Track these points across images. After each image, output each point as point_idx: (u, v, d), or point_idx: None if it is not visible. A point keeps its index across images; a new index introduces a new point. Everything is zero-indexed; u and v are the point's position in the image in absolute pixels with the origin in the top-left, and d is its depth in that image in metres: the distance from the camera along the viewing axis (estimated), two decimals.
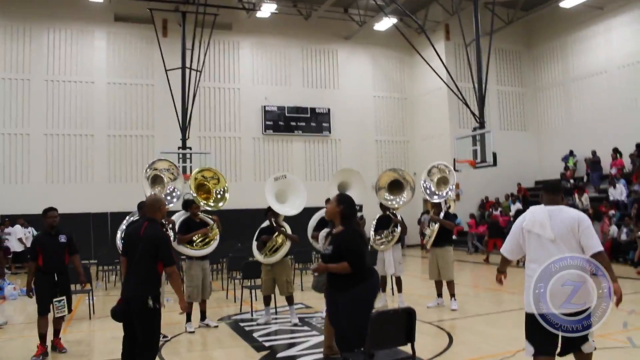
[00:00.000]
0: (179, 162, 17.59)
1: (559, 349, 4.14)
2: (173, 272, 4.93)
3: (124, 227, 7.36)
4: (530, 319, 4.16)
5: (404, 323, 4.30)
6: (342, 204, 4.92)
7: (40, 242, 6.85)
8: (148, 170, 7.54)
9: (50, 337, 6.80)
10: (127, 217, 7.47)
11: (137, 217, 7.34)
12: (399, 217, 9.22)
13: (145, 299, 4.70)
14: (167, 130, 19.78)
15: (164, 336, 7.31)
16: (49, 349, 6.75)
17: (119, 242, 7.34)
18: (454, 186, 9.44)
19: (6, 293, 11.86)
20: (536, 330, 4.10)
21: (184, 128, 18.13)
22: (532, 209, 4.47)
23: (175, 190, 7.72)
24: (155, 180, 7.60)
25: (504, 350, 5.96)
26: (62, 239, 6.82)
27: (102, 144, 20.36)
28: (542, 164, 23.44)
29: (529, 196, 21.59)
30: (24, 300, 11.71)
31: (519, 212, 17.19)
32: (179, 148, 18.03)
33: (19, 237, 14.77)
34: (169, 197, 7.63)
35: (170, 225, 7.43)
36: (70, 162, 20.05)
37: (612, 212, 16.54)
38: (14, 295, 11.92)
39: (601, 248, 4.19)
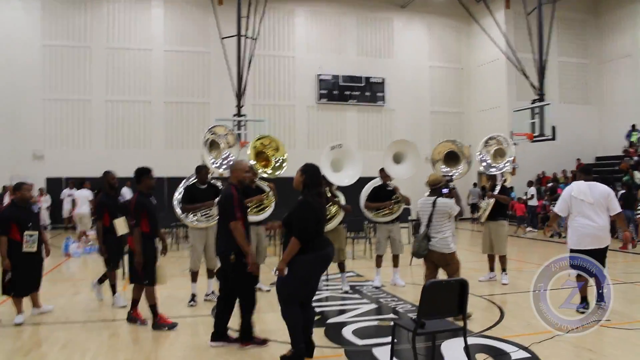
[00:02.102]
0: (233, 130, 17.84)
1: None
2: (235, 226, 5.24)
3: (182, 189, 7.53)
4: (572, 252, 6.50)
5: (456, 294, 4.30)
6: (304, 173, 4.95)
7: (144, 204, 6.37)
8: (207, 134, 7.66)
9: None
10: (184, 181, 7.64)
11: (195, 180, 7.52)
12: (450, 187, 9.09)
13: (228, 254, 5.27)
14: (222, 98, 20.08)
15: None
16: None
17: (176, 204, 7.52)
18: (511, 159, 9.24)
19: (70, 250, 12.45)
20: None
21: (239, 95, 18.33)
22: (576, 183, 6.82)
23: (230, 156, 7.82)
24: (213, 145, 7.73)
25: (554, 327, 5.88)
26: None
27: (159, 110, 20.86)
28: (603, 140, 22.59)
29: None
30: (87, 258, 12.34)
31: None
32: (233, 115, 18.27)
33: (90, 199, 15.06)
34: (224, 163, 7.75)
35: None
36: (129, 127, 20.67)
37: None
38: (78, 253, 12.51)
39: (620, 210, 6.73)
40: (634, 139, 20.22)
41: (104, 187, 7.47)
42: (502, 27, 18.25)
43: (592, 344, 5.46)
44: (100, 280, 7.76)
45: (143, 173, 6.26)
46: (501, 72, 21.89)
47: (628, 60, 21.85)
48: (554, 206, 14.62)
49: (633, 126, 20.30)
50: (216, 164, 7.67)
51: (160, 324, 6.14)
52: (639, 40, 21.27)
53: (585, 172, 6.89)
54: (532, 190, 18.59)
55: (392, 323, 5.97)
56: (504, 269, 8.95)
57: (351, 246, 12.49)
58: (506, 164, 9.20)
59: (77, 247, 12.59)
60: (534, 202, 18.49)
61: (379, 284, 8.56)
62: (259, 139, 8.20)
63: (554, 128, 14.64)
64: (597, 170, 21.31)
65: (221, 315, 5.50)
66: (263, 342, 5.48)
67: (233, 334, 5.60)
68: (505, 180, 9.40)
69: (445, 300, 4.28)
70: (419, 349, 4.67)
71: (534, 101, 15.68)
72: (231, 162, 7.97)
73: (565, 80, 23.02)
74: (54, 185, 19.43)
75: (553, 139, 14.81)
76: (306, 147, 21.60)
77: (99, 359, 5.14)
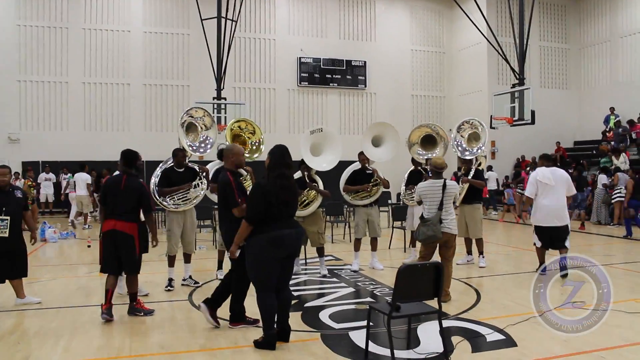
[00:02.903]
0: (213, 113, 17.66)
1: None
2: (234, 212, 5.24)
3: (159, 172, 7.43)
4: (537, 228, 8.07)
5: (431, 277, 4.31)
6: (269, 154, 4.99)
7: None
8: (184, 116, 7.55)
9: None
10: (161, 164, 7.54)
11: (172, 164, 7.43)
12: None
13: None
14: (202, 81, 19.87)
15: (195, 282, 7.52)
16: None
17: (153, 188, 7.41)
18: (485, 143, 9.28)
19: (47, 236, 12.30)
20: (540, 233, 8.05)
21: (219, 78, 18.11)
22: (540, 169, 8.06)
23: (208, 138, 7.72)
24: (189, 128, 7.62)
25: (532, 309, 5.94)
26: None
27: (138, 92, 20.58)
28: (582, 124, 22.81)
29: (567, 157, 21.13)
30: (64, 244, 12.21)
31: None
32: (213, 98, 18.05)
33: (88, 183, 15.16)
34: (202, 145, 7.66)
35: (204, 174, 7.49)
36: (107, 110, 20.38)
37: None
38: (55, 238, 12.36)
39: (575, 192, 8.43)
40: (612, 123, 20.43)
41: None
42: (484, 11, 18.19)
43: None
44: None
45: (135, 156, 6.22)
46: (482, 56, 21.94)
47: (606, 46, 22.02)
48: (520, 189, 15.12)
49: (612, 110, 20.49)
50: (193, 146, 7.57)
51: (136, 308, 6.06)
52: (617, 26, 21.43)
53: (546, 159, 8.22)
54: (491, 174, 18.76)
55: (368, 307, 6.03)
56: (481, 252, 9.01)
57: (330, 230, 12.49)
58: (480, 148, 9.24)
59: (54, 232, 12.43)
60: (492, 186, 18.66)
61: (357, 268, 8.57)
62: (236, 121, 8.12)
63: (533, 112, 14.69)
64: (576, 154, 21.61)
65: (238, 297, 5.51)
66: (254, 321, 5.48)
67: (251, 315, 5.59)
68: (479, 164, 9.44)
69: (421, 283, 4.29)
70: (395, 332, 4.67)
71: (513, 85, 15.71)
72: (211, 146, 7.91)
73: (545, 65, 23.14)
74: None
75: (532, 123, 14.87)
76: (287, 131, 21.50)
77: (72, 345, 5.07)
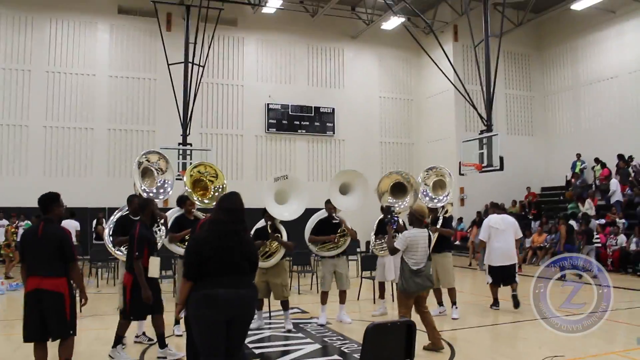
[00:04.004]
0: (179, 159, 17.27)
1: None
2: None
3: (114, 220, 6.97)
4: (490, 267, 9.11)
5: (402, 337, 3.92)
6: (216, 205, 4.54)
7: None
8: (141, 158, 7.14)
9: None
10: (116, 212, 7.09)
11: (127, 211, 6.99)
12: (401, 222, 8.82)
13: None
14: (169, 126, 19.50)
15: (149, 339, 6.96)
16: None
17: (107, 239, 6.94)
18: (452, 190, 9.07)
19: None
20: (492, 272, 9.08)
21: (185, 124, 17.81)
22: (492, 216, 9.42)
23: (167, 182, 7.32)
24: (145, 173, 7.22)
25: None
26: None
27: (102, 137, 20.06)
28: (549, 170, 22.99)
29: (536, 202, 21.20)
30: (13, 295, 11.44)
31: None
32: (179, 144, 17.70)
33: (77, 230, 14.66)
34: (161, 190, 7.25)
35: (162, 221, 7.05)
36: (69, 155, 19.76)
37: (621, 220, 16.11)
38: (2, 290, 11.61)
39: (522, 236, 9.77)
40: (577, 169, 20.63)
41: (143, 217, 6.24)
42: (451, 59, 18.42)
43: None
44: (162, 344, 6.30)
45: (53, 200, 5.29)
46: (450, 103, 22.12)
47: (569, 94, 22.46)
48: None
49: (578, 156, 20.72)
50: (150, 192, 7.14)
51: None
52: (579, 74, 21.93)
53: (496, 207, 9.75)
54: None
55: None
56: (453, 303, 8.67)
57: (297, 280, 12.02)
58: (447, 196, 9.03)
59: (1, 284, 11.68)
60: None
61: (325, 322, 8.10)
62: (195, 167, 7.74)
63: (502, 158, 14.68)
64: (543, 200, 21.69)
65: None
66: None
67: None
68: (446, 212, 9.22)
69: (391, 344, 3.90)
70: None
71: (482, 132, 15.75)
72: (171, 188, 7.50)
73: (511, 113, 23.46)
74: None
75: (501, 169, 14.84)
76: (254, 178, 21.12)
77: None
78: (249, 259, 4.25)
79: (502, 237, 8.89)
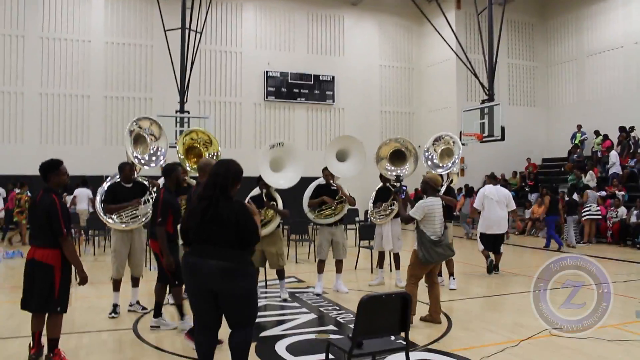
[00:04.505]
0: (176, 126, 17.02)
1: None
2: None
3: (105, 188, 6.82)
4: (482, 235, 9.75)
5: (398, 309, 3.81)
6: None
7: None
8: (133, 125, 6.94)
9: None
10: (108, 179, 6.93)
11: (119, 179, 6.84)
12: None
13: None
14: (166, 93, 19.24)
15: (143, 308, 6.89)
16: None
17: (98, 206, 6.80)
18: (458, 159, 8.90)
19: None
20: (483, 239, 9.72)
21: (182, 91, 17.51)
22: (487, 186, 9.96)
23: (160, 149, 7.13)
24: (138, 140, 7.03)
25: (507, 338, 5.51)
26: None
27: (98, 105, 19.81)
28: (550, 141, 22.79)
29: (536, 174, 21.07)
30: (9, 264, 11.39)
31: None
32: (176, 111, 17.43)
33: (90, 197, 14.63)
34: (153, 158, 7.07)
35: (155, 189, 6.90)
36: (65, 122, 19.54)
37: (621, 193, 15.99)
38: None
39: (515, 207, 10.11)
40: (577, 140, 20.44)
41: (168, 183, 6.05)
42: (454, 27, 18.05)
43: (542, 358, 5.09)
44: (158, 313, 6.13)
45: (51, 168, 4.98)
46: (451, 72, 21.80)
47: (573, 64, 22.10)
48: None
49: (579, 127, 20.51)
50: (142, 160, 6.97)
51: None
52: (584, 45, 21.54)
53: (492, 178, 10.32)
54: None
55: (330, 336, 5.50)
56: (451, 273, 8.60)
57: (294, 249, 11.95)
58: (453, 164, 8.86)
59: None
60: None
61: (321, 291, 8.03)
62: (187, 134, 7.56)
63: (503, 129, 14.45)
64: (544, 171, 21.55)
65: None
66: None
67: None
68: (451, 181, 9.07)
69: (385, 316, 3.79)
70: None
71: (483, 101, 15.49)
72: (164, 156, 7.32)
73: (514, 83, 23.14)
74: None
75: (502, 139, 14.63)
76: (253, 146, 20.92)
77: None
78: (232, 229, 3.94)
79: (495, 207, 9.56)
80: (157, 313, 6.11)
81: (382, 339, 4.01)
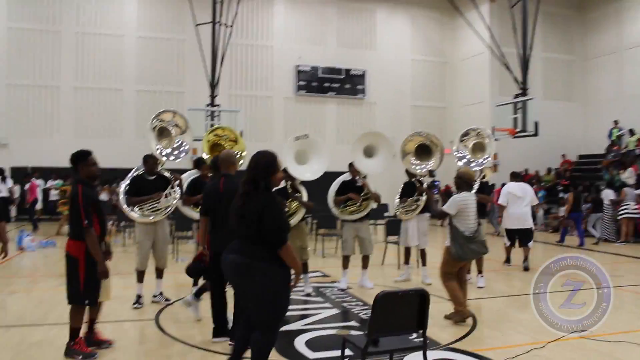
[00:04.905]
0: (206, 120, 17.13)
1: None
2: None
3: (128, 181, 6.84)
4: (507, 230, 10.16)
5: (415, 307, 3.70)
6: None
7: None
8: (155, 120, 6.97)
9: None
10: (132, 172, 6.96)
11: (143, 171, 6.86)
12: (425, 185, 8.52)
13: None
14: (197, 87, 19.38)
15: (166, 299, 6.92)
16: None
17: (121, 199, 6.82)
18: (491, 153, 8.67)
19: (24, 244, 11.72)
20: (509, 234, 10.15)
21: (213, 85, 17.61)
22: (511, 183, 10.10)
23: (184, 144, 7.14)
24: (163, 133, 7.04)
25: (534, 339, 5.33)
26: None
27: (130, 99, 20.09)
28: (587, 138, 22.18)
29: (572, 170, 20.53)
30: (43, 253, 11.61)
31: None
32: (207, 105, 17.55)
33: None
34: (175, 152, 7.07)
35: (178, 183, 6.90)
36: (99, 116, 19.89)
37: None
38: (32, 247, 11.78)
39: (537, 202, 10.97)
40: (614, 137, 19.82)
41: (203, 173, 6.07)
42: (487, 21, 17.72)
43: None
44: (199, 293, 6.04)
45: (79, 158, 4.93)
46: (485, 66, 21.40)
47: (613, 58, 21.44)
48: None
49: (615, 122, 19.87)
50: (164, 152, 6.98)
51: (73, 349, 4.83)
52: (624, 37, 20.87)
53: (515, 176, 10.34)
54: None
55: (350, 332, 5.41)
56: (480, 271, 8.40)
57: (321, 243, 11.88)
58: (486, 159, 8.62)
59: (32, 241, 11.85)
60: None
61: (345, 286, 7.95)
62: (211, 131, 7.55)
63: (536, 124, 14.15)
64: (580, 168, 20.98)
65: (222, 310, 5.19)
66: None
67: None
68: (484, 177, 8.85)
69: (402, 314, 3.68)
70: None
71: (516, 95, 15.17)
72: (186, 152, 7.32)
73: (549, 77, 22.57)
74: (20, 175, 18.52)
75: (536, 134, 14.32)
76: (283, 141, 20.83)
77: None
78: (255, 224, 3.81)
79: (518, 203, 9.81)
80: (198, 295, 5.99)
81: (400, 336, 3.90)
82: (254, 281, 3.81)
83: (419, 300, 3.68)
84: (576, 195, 14.17)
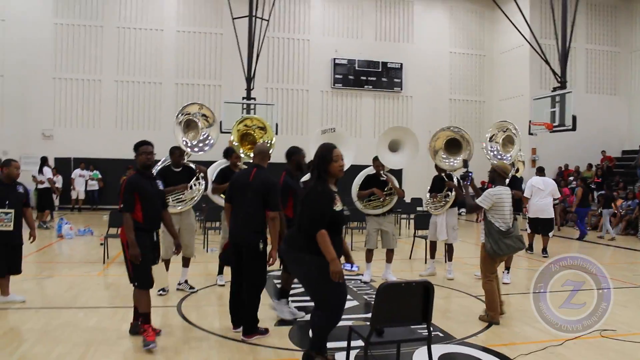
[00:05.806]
0: (242, 113, 17.32)
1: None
2: (276, 217, 5.06)
3: (155, 173, 7.01)
4: (529, 219, 11.27)
5: (419, 299, 3.72)
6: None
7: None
8: (180, 115, 7.16)
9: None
10: (159, 163, 7.14)
11: (169, 163, 7.04)
12: (455, 180, 8.46)
13: (257, 242, 5.03)
14: (234, 80, 19.59)
15: (191, 287, 7.09)
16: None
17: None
18: (519, 144, 8.57)
19: (63, 232, 12.15)
20: (530, 223, 11.27)
21: (249, 78, 17.79)
22: (535, 177, 11.12)
23: (209, 137, 7.30)
24: (190, 125, 7.22)
25: (552, 336, 5.26)
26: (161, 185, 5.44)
27: (169, 92, 20.51)
28: (632, 132, 21.50)
29: (614, 167, 19.94)
30: (80, 240, 12.02)
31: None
32: (243, 98, 17.74)
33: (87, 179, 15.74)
34: (200, 144, 7.24)
35: (202, 175, 7.06)
36: (139, 109, 20.37)
37: None
38: (70, 234, 12.20)
39: (559, 195, 12.54)
40: None
41: (289, 166, 6.02)
42: (527, 13, 17.32)
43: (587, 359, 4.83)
44: (284, 293, 6.05)
45: (135, 147, 5.18)
46: (525, 59, 20.97)
47: None
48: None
49: None
50: (190, 145, 7.14)
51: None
52: None
53: (540, 171, 11.27)
54: None
55: (348, 327, 5.44)
56: (507, 267, 8.29)
57: (350, 237, 11.91)
58: (518, 152, 8.55)
59: (70, 229, 12.27)
60: None
61: (369, 279, 7.99)
62: (241, 121, 7.66)
63: (574, 118, 13.76)
64: (623, 164, 20.37)
65: (254, 306, 5.18)
66: (266, 331, 5.24)
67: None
68: (517, 170, 8.73)
69: (407, 305, 3.71)
70: (389, 356, 4.29)
71: (554, 89, 14.79)
72: (210, 146, 7.48)
73: (592, 69, 21.96)
74: (63, 166, 19.19)
75: (573, 129, 13.94)
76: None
77: (32, 351, 4.68)
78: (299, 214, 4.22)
79: (540, 195, 10.86)
80: (282, 295, 6.02)
81: (405, 328, 3.93)
82: (293, 268, 4.39)
83: (423, 291, 3.70)
84: (585, 190, 14.60)
